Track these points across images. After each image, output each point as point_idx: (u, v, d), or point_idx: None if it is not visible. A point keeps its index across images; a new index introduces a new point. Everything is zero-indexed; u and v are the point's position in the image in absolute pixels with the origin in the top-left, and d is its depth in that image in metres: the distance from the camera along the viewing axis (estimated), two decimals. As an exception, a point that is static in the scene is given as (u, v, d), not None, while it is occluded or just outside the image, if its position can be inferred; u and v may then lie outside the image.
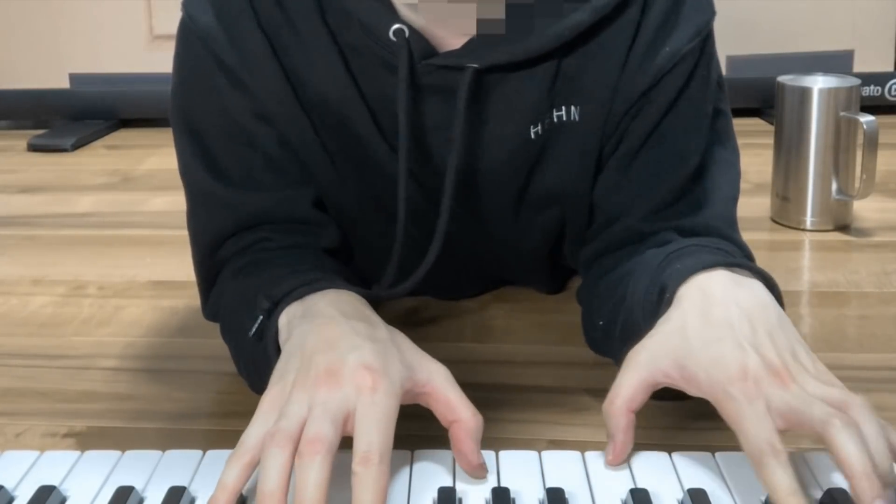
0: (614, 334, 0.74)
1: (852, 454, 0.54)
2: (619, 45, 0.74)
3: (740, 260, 0.69)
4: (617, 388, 0.64)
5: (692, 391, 0.63)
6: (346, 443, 0.56)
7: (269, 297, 0.68)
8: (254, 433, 0.57)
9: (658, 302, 0.68)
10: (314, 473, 0.53)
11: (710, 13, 0.77)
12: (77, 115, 1.84)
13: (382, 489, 0.54)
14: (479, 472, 0.61)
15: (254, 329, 0.69)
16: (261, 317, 0.68)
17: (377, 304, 0.72)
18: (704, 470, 0.62)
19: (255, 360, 0.70)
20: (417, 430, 0.62)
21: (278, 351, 0.66)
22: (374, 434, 0.56)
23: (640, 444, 0.63)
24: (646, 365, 0.63)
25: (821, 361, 0.62)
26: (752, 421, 0.57)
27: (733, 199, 0.80)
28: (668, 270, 0.68)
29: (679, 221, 0.76)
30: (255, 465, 0.56)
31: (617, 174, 0.78)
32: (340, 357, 0.59)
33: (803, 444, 0.64)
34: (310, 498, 0.53)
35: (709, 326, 0.63)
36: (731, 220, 0.79)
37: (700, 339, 0.62)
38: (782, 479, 0.54)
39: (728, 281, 0.66)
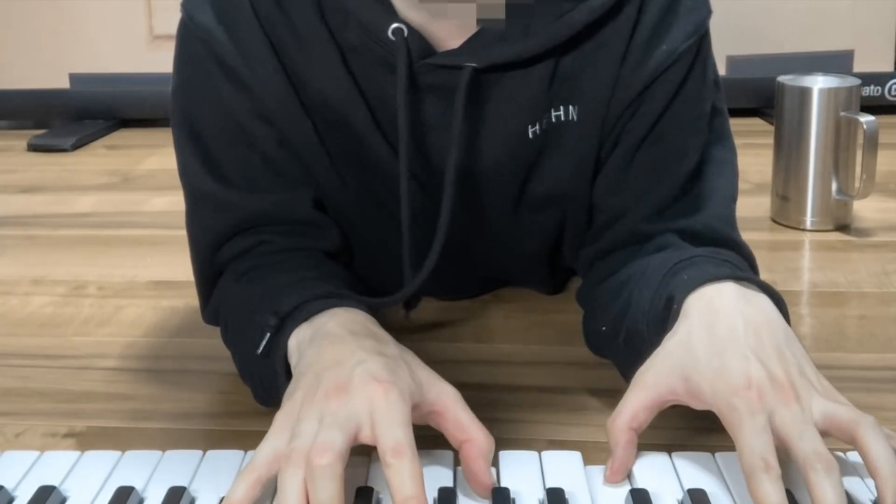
0: (618, 340, 0.74)
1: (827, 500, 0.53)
2: (616, 45, 0.74)
3: (748, 274, 0.69)
4: (621, 407, 0.63)
5: (697, 406, 0.62)
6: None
7: (276, 314, 0.68)
8: (265, 451, 0.57)
9: (664, 312, 0.68)
10: (324, 484, 0.53)
11: (707, 12, 0.77)
12: (77, 115, 1.84)
13: (420, 477, 0.53)
14: (487, 494, 0.59)
15: (261, 347, 0.68)
16: (268, 334, 0.68)
17: (383, 313, 0.71)
18: (704, 470, 0.62)
19: (263, 375, 0.70)
20: (417, 430, 0.61)
21: (287, 371, 0.66)
22: (397, 430, 0.55)
23: (641, 445, 0.63)
24: (652, 385, 0.63)
25: (820, 369, 0.62)
26: (750, 434, 0.56)
27: (732, 199, 0.80)
28: (675, 281, 0.68)
29: (679, 223, 0.76)
30: (264, 483, 0.56)
31: (616, 174, 0.78)
32: (348, 371, 0.59)
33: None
34: None
35: (714, 339, 0.62)
36: (731, 220, 0.79)
37: (705, 351, 0.62)
38: (770, 494, 0.54)
39: (736, 294, 0.65)
